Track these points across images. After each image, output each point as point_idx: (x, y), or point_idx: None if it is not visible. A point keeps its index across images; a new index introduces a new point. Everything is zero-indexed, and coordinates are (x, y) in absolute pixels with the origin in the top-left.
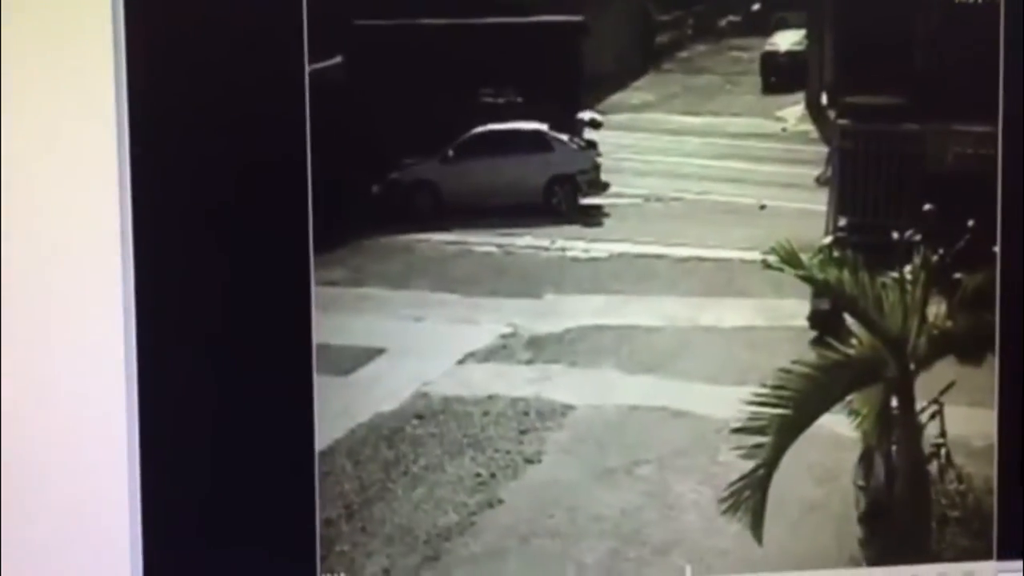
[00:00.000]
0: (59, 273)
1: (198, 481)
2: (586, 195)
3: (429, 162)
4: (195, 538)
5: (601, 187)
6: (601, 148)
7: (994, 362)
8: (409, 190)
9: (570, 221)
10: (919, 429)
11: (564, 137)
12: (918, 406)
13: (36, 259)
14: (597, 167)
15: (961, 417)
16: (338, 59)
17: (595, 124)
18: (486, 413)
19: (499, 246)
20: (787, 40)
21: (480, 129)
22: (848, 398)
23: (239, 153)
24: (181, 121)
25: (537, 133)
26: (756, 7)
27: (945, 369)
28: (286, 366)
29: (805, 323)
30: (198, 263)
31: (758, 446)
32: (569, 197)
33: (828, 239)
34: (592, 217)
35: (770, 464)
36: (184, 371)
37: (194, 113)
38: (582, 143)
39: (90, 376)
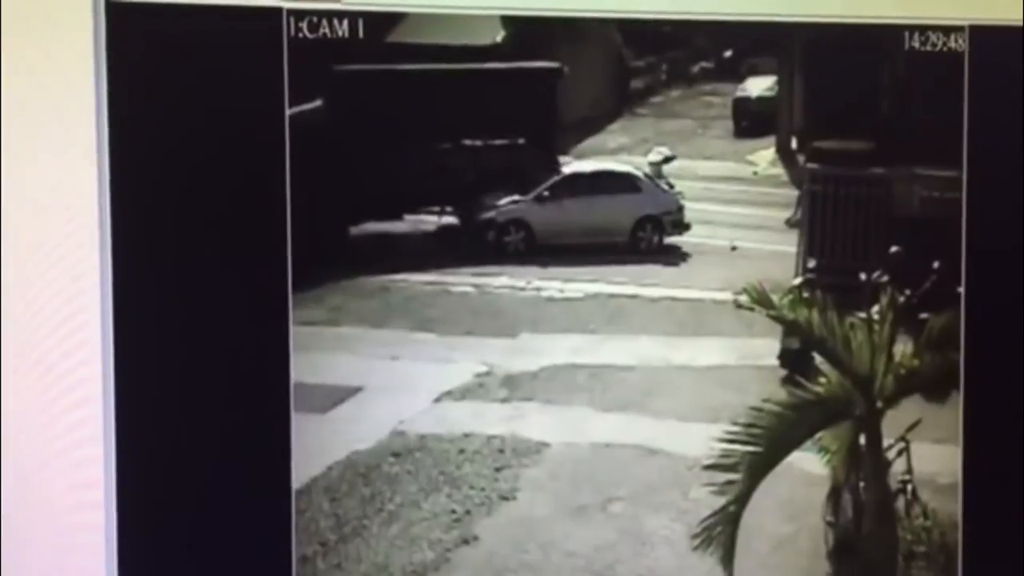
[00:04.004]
0: (38, 320)
1: (175, 518)
2: (670, 235)
3: (524, 201)
4: (171, 574)
5: (684, 228)
6: None
7: (959, 400)
8: (502, 228)
9: (654, 260)
10: (886, 466)
11: (650, 179)
12: (885, 443)
13: (13, 299)
14: (681, 208)
15: (927, 454)
16: (318, 103)
17: (669, 160)
18: (462, 451)
19: (476, 286)
20: (758, 86)
21: (571, 170)
22: (817, 436)
23: (219, 194)
24: (161, 161)
25: (626, 175)
26: (728, 54)
27: (911, 407)
28: (264, 404)
29: (775, 362)
30: (177, 302)
31: (729, 483)
32: (655, 237)
33: (798, 280)
34: (674, 257)
35: (741, 501)
36: (162, 410)
37: (174, 154)
38: (668, 186)
39: (68, 415)
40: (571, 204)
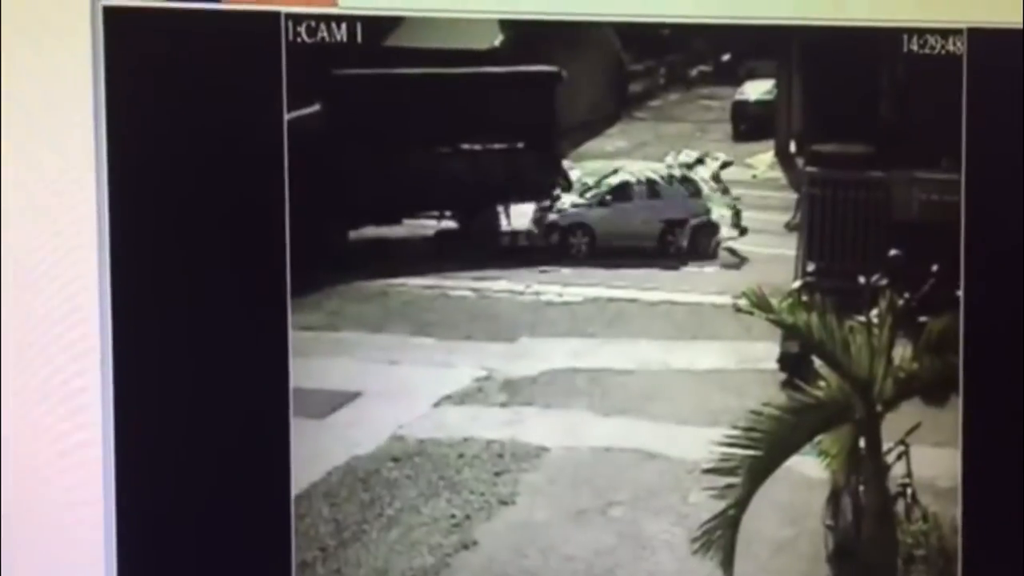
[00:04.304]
0: (37, 326)
1: (174, 524)
2: (699, 240)
3: (587, 205)
4: None
5: (715, 231)
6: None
7: (958, 403)
8: (566, 231)
9: (651, 264)
10: (886, 469)
11: (678, 183)
12: (885, 447)
13: (12, 304)
14: (708, 211)
15: (927, 457)
16: (316, 107)
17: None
18: (461, 455)
19: (475, 291)
20: (757, 90)
21: (628, 175)
22: (817, 439)
23: (217, 199)
24: (159, 167)
25: (684, 179)
26: (726, 58)
27: (911, 410)
28: (263, 410)
29: (775, 366)
30: (175, 307)
31: (729, 487)
32: (683, 242)
33: (797, 283)
34: (673, 261)
35: (741, 504)
36: (161, 416)
37: (173, 160)
38: (697, 190)
39: (67, 422)
40: (631, 207)
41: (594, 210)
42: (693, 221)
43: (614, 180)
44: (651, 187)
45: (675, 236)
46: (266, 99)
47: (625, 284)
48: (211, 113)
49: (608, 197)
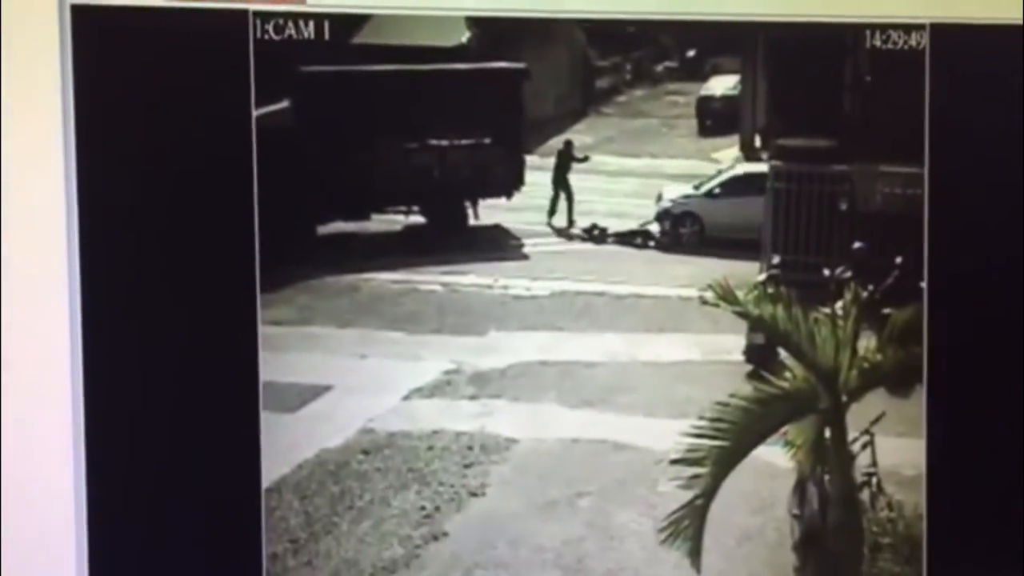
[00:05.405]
0: (6, 321)
1: (146, 517)
2: None
3: (696, 196)
4: (142, 574)
5: None
6: (536, 190)
7: (922, 393)
8: (677, 220)
9: (620, 257)
10: (851, 459)
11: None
12: (850, 436)
13: None
14: None
15: (891, 447)
16: (284, 104)
17: None
18: (431, 448)
19: (444, 284)
20: (722, 85)
21: (743, 170)
22: (783, 429)
23: (186, 195)
24: (128, 164)
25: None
26: (692, 53)
27: (875, 401)
28: (233, 404)
29: (741, 357)
30: (145, 302)
31: (696, 477)
32: None
33: (763, 276)
34: (639, 253)
35: (708, 494)
36: (132, 409)
37: (141, 156)
38: None
39: (38, 417)
40: (739, 202)
41: (704, 201)
42: None
43: (729, 174)
44: (761, 183)
45: None
46: (234, 96)
47: (592, 277)
48: (179, 110)
49: (717, 190)
